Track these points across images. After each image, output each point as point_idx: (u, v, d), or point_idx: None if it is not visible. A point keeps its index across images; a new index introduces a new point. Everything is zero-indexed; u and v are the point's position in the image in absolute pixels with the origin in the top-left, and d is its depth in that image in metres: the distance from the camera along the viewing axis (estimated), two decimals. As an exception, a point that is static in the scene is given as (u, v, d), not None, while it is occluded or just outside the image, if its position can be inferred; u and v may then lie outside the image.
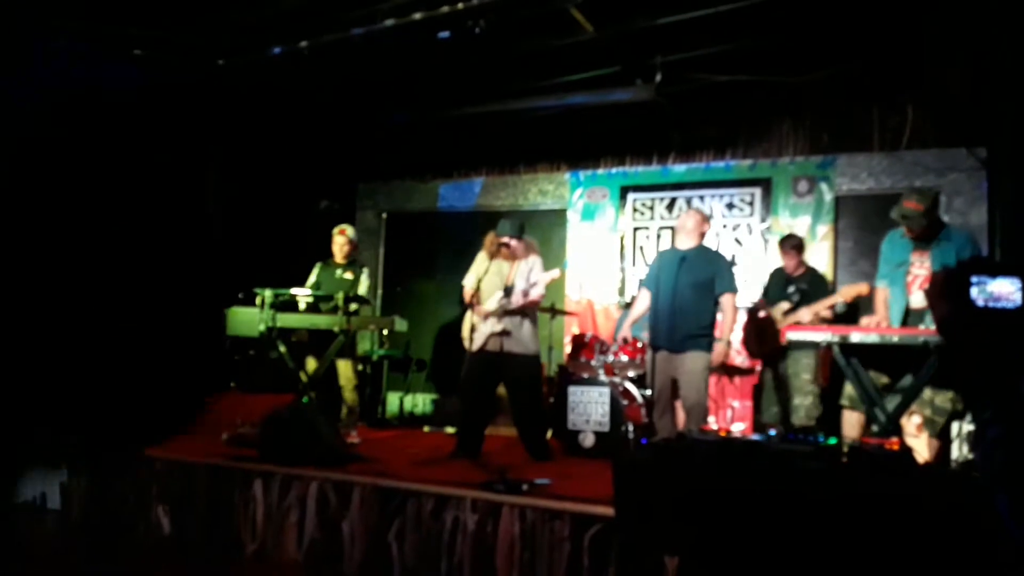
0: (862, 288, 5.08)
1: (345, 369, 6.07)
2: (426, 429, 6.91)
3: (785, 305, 5.73)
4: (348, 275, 6.19)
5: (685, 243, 4.92)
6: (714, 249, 5.11)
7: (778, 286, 5.92)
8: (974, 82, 5.74)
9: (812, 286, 5.78)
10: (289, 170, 7.97)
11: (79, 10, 5.27)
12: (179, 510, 4.34)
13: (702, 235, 4.96)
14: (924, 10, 5.25)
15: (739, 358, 6.63)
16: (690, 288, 4.76)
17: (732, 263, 4.98)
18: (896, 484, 2.48)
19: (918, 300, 4.25)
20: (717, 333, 4.85)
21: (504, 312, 4.90)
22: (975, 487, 2.16)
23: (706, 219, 5.04)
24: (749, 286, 6.68)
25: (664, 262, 4.96)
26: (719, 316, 4.87)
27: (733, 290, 4.81)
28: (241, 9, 5.42)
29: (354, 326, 5.23)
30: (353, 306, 5.57)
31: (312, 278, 6.24)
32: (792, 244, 5.91)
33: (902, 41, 5.70)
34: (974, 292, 1.51)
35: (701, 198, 7.25)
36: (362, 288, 6.17)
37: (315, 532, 3.93)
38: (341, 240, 6.23)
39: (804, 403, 5.59)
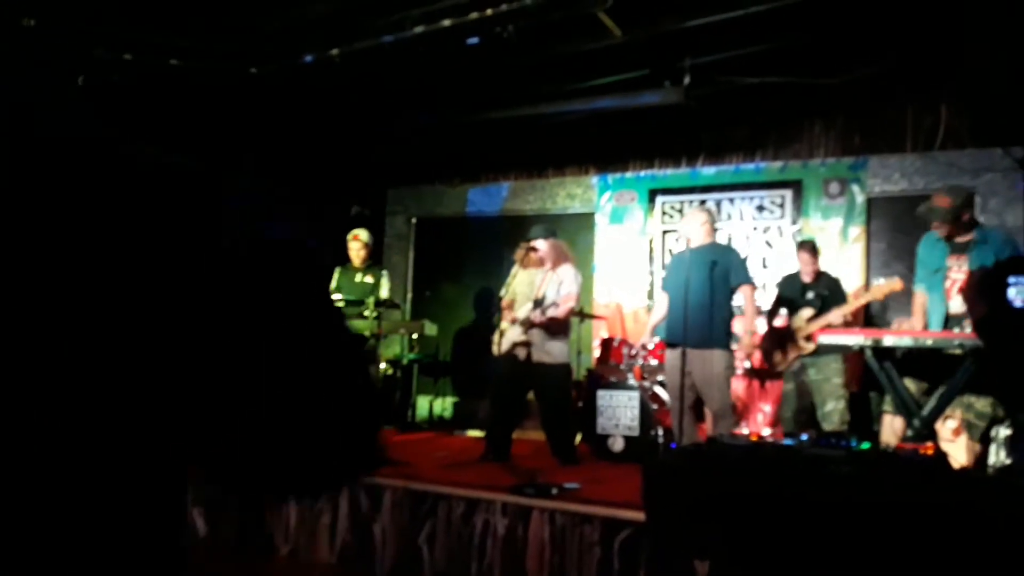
0: (895, 284, 4.96)
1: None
2: (457, 433, 6.94)
3: (809, 311, 5.64)
4: (368, 278, 6.28)
5: (695, 242, 4.95)
6: (724, 244, 5.13)
7: (794, 293, 5.83)
8: (1010, 80, 5.64)
9: (831, 291, 5.70)
10: (320, 176, 8.06)
11: (114, 18, 5.38)
12: (214, 513, 4.40)
13: (710, 231, 4.98)
14: (958, 8, 5.18)
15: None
16: (705, 285, 4.75)
17: (743, 256, 5.05)
18: (929, 489, 2.46)
19: (957, 305, 4.17)
20: (738, 329, 4.87)
21: (529, 324, 4.93)
22: (1012, 491, 2.13)
23: (709, 215, 5.06)
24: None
25: (678, 263, 5.00)
26: (736, 313, 4.89)
27: (749, 281, 4.85)
28: (273, 18, 5.50)
29: (385, 330, 5.28)
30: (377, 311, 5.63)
31: (332, 284, 6.32)
32: (810, 248, 5.84)
33: (935, 40, 5.62)
34: (1012, 293, 1.49)
35: (731, 201, 7.20)
36: (384, 290, 6.24)
37: (347, 534, 3.97)
38: (356, 245, 6.32)
39: (837, 407, 5.52)
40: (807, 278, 5.80)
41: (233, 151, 7.11)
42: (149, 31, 5.56)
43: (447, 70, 6.29)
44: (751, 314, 4.81)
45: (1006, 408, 3.85)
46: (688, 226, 5.04)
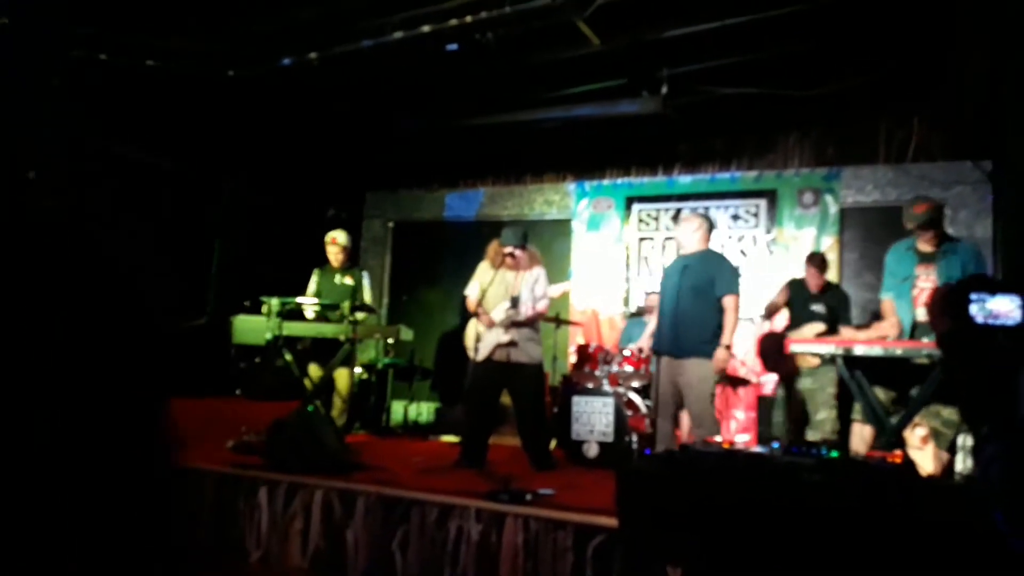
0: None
1: (343, 378, 6.13)
2: (432, 438, 6.93)
3: (819, 326, 5.57)
4: (348, 280, 6.27)
5: (687, 249, 4.85)
6: (717, 252, 4.93)
7: (800, 302, 5.80)
8: (981, 95, 5.76)
9: (839, 302, 5.71)
10: (298, 179, 8.03)
11: (94, 20, 5.33)
12: (184, 517, 4.36)
13: (705, 239, 4.84)
14: (932, 24, 5.27)
15: (743, 369, 6.63)
16: (690, 293, 4.67)
17: (734, 266, 4.84)
18: (896, 497, 2.50)
19: (924, 314, 4.25)
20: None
21: (511, 323, 4.95)
22: (975, 500, 2.17)
23: (704, 221, 4.89)
24: (753, 297, 6.70)
25: (669, 271, 4.93)
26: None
27: (734, 292, 4.66)
28: (252, 20, 5.48)
29: (360, 335, 5.25)
30: (361, 315, 5.60)
31: (312, 285, 6.30)
32: (818, 262, 5.80)
33: (909, 55, 5.72)
34: (973, 309, 1.52)
35: (706, 209, 7.26)
36: (366, 293, 6.24)
37: (319, 540, 3.94)
38: (335, 249, 6.31)
39: (829, 416, 5.53)
40: (814, 290, 5.77)
41: (212, 153, 7.07)
42: (127, 32, 5.51)
43: (427, 76, 6.30)
44: (729, 327, 4.64)
45: (967, 420, 3.92)
46: (681, 233, 4.91)
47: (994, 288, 1.54)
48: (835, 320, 5.57)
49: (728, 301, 4.65)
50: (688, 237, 4.85)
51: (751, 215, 7.13)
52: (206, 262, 7.16)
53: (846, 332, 5.35)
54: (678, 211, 7.39)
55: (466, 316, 5.21)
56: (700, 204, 7.31)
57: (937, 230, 4.24)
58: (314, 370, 5.87)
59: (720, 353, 4.62)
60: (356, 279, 6.31)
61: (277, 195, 7.83)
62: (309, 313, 5.51)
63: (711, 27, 5.30)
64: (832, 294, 5.79)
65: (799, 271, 6.02)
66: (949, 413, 4.11)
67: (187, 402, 5.85)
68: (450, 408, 7.19)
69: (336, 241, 6.31)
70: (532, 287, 5.08)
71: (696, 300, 4.66)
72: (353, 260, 6.58)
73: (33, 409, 0.95)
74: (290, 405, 5.64)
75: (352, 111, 7.12)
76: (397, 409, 7.73)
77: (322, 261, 6.42)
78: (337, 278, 6.28)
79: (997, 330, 1.51)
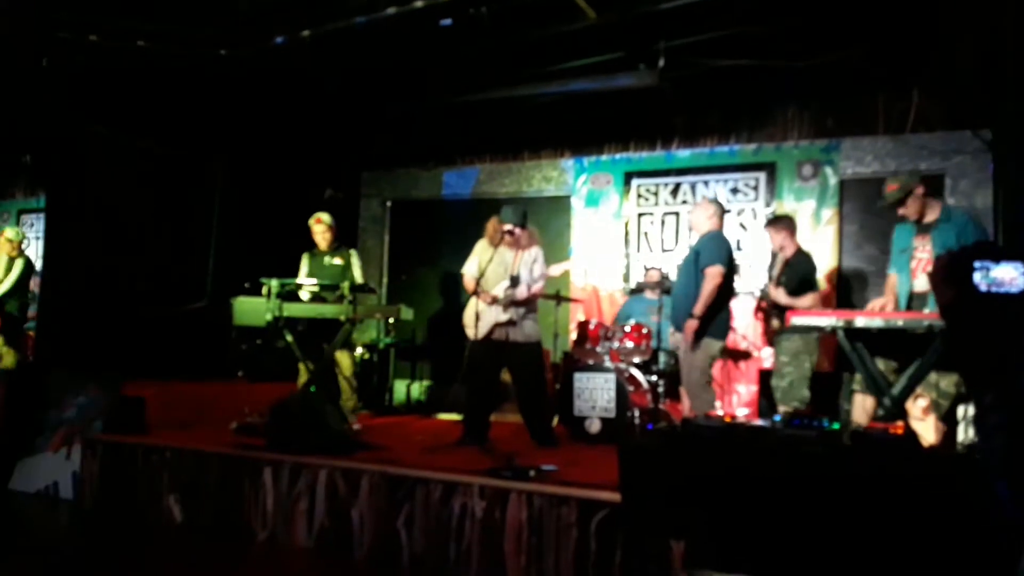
0: None
1: (343, 360, 6.13)
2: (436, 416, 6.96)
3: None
4: (337, 260, 6.25)
5: (700, 231, 5.04)
6: (716, 232, 5.00)
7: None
8: (980, 64, 5.71)
9: (793, 267, 5.54)
10: (294, 160, 7.98)
11: (82, 2, 5.27)
12: (190, 499, 4.38)
13: (718, 223, 5.01)
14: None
15: (744, 343, 6.64)
16: (683, 272, 4.96)
17: (723, 240, 4.98)
18: (898, 467, 2.50)
19: (921, 284, 4.27)
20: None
21: (510, 302, 4.95)
22: (977, 470, 2.18)
23: (718, 208, 5.06)
24: (754, 271, 6.71)
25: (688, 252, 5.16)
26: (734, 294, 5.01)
27: (713, 263, 4.76)
28: (244, -1, 5.42)
29: (360, 315, 5.24)
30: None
31: (303, 269, 6.27)
32: (776, 223, 5.75)
33: (908, 24, 5.66)
34: (977, 277, 1.51)
35: (705, 183, 7.24)
36: (356, 272, 6.22)
37: (325, 519, 3.97)
38: (320, 228, 6.28)
39: (779, 385, 5.53)
40: (784, 255, 5.74)
41: (207, 135, 7.02)
42: (117, 14, 5.45)
43: (421, 52, 6.23)
44: (703, 296, 4.72)
45: (970, 389, 3.93)
46: (693, 216, 5.13)
47: (998, 256, 1.53)
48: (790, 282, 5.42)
49: (708, 272, 4.79)
50: (701, 222, 5.03)
51: (750, 188, 7.10)
52: (205, 244, 7.14)
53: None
54: (677, 186, 7.36)
55: (465, 294, 5.20)
56: (699, 178, 7.27)
57: (918, 202, 4.28)
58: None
59: (688, 323, 4.77)
60: (345, 259, 6.28)
61: (273, 176, 7.79)
62: (304, 295, 5.49)
63: (708, -2, 5.25)
64: (794, 259, 5.59)
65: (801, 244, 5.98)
66: (946, 384, 4.13)
67: (190, 385, 5.87)
68: (442, 387, 7.23)
69: (321, 220, 6.28)
70: (531, 267, 5.08)
71: (686, 279, 4.91)
72: (341, 240, 6.55)
73: None
74: (292, 386, 5.67)
75: (347, 90, 7.06)
76: (399, 388, 7.75)
77: (312, 244, 6.40)
78: (327, 259, 6.25)
79: (1001, 298, 1.50)
